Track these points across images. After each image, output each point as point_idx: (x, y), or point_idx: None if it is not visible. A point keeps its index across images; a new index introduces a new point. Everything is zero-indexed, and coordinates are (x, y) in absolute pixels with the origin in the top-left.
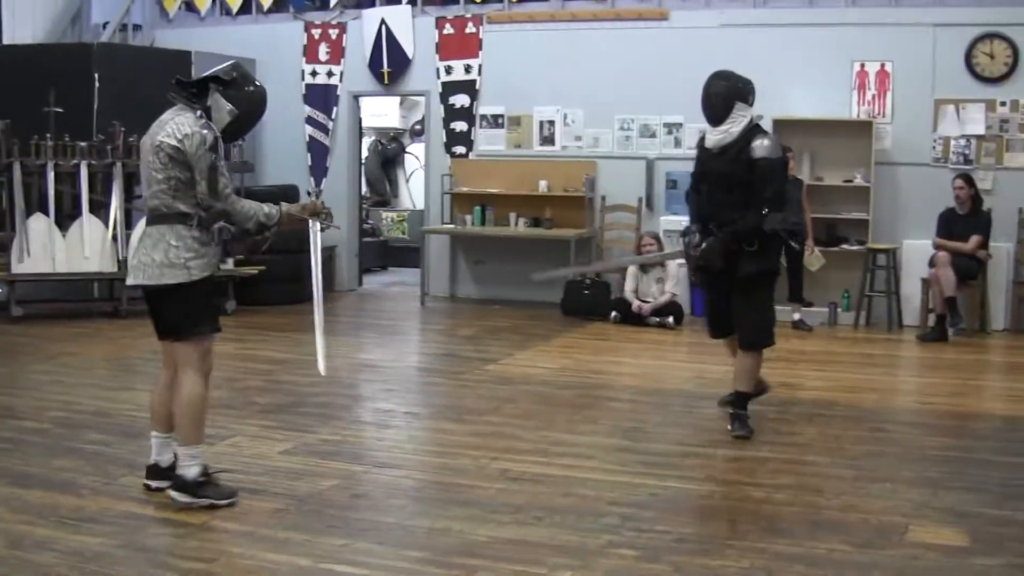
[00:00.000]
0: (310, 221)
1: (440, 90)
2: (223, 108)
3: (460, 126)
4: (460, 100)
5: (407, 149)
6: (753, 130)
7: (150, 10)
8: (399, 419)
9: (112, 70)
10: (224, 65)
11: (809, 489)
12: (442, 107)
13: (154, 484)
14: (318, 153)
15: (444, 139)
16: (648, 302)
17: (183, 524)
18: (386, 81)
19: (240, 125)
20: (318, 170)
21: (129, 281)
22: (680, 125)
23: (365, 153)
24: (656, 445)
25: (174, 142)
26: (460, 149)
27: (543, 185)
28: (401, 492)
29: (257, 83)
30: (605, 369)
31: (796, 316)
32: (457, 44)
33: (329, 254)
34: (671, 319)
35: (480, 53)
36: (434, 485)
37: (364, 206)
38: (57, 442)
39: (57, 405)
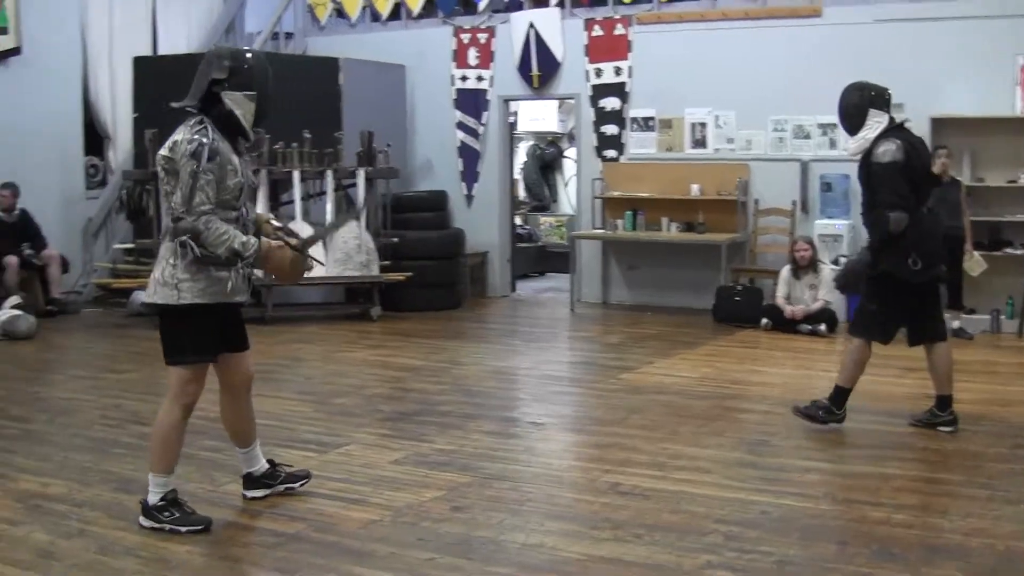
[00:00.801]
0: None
1: (590, 93)
2: (241, 101)
3: (611, 129)
4: (610, 103)
5: (565, 153)
6: (883, 135)
7: (302, 18)
8: (520, 429)
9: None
10: (209, 62)
11: (933, 510)
12: (592, 110)
13: (250, 494)
14: (469, 158)
15: (595, 143)
16: (800, 308)
17: (274, 533)
18: (536, 85)
19: (266, 100)
20: (469, 175)
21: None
22: (835, 126)
23: (523, 158)
24: (779, 460)
25: (166, 152)
26: (611, 153)
27: (695, 189)
28: (503, 505)
29: (246, 52)
30: (745, 379)
31: (956, 324)
32: (606, 46)
33: (481, 259)
34: (823, 327)
35: (630, 55)
36: (538, 498)
37: (522, 211)
38: None
39: None
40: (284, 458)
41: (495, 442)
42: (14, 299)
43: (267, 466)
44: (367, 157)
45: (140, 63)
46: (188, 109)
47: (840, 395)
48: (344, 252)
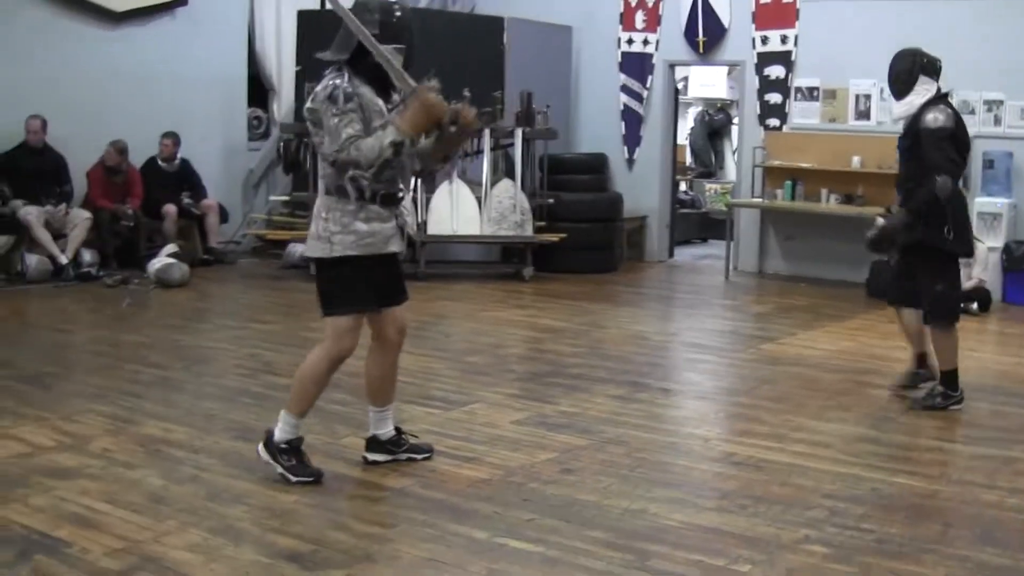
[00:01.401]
0: (445, 128)
1: (755, 60)
2: (391, 53)
3: (774, 98)
4: (775, 71)
5: (734, 120)
6: (930, 102)
7: None
8: (647, 394)
9: (420, 36)
10: (360, 15)
11: None
12: (757, 78)
13: (371, 457)
14: (632, 122)
15: (758, 111)
16: None
17: (382, 488)
18: (701, 50)
19: (412, 53)
20: (631, 139)
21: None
22: (1001, 102)
23: (691, 124)
24: (901, 437)
25: (309, 104)
26: (774, 122)
27: (856, 161)
28: (613, 470)
29: (395, 5)
30: (886, 355)
31: None
32: (773, 14)
33: (640, 223)
34: (975, 305)
35: (797, 23)
36: (650, 464)
37: (688, 177)
38: None
39: None
40: (408, 414)
41: (619, 406)
42: (171, 247)
43: (394, 432)
44: (525, 117)
45: (304, 16)
46: (332, 60)
47: (950, 377)
48: (499, 211)
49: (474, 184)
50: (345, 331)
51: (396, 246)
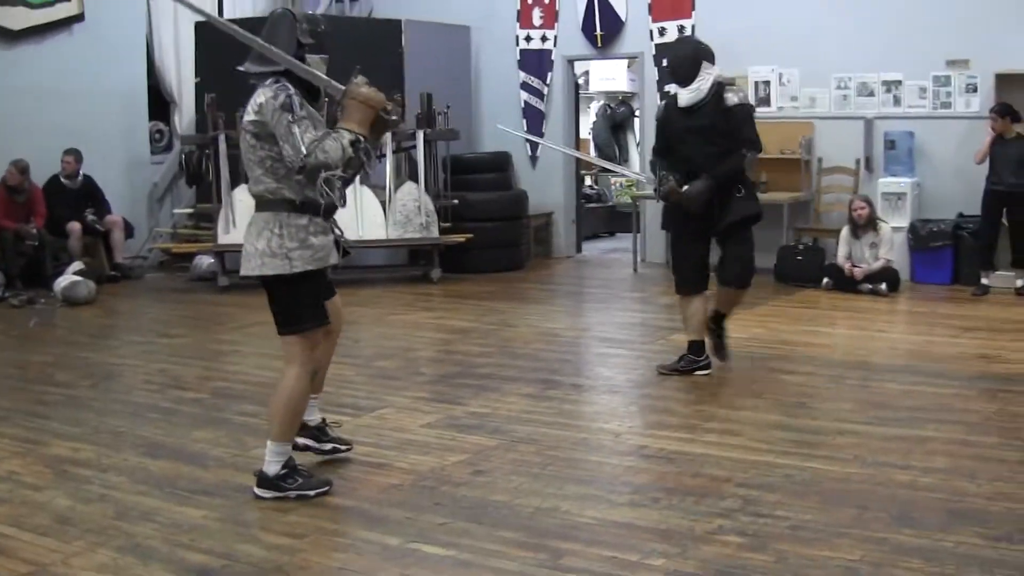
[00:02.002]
0: (381, 114)
1: (653, 52)
2: (318, 64)
3: (674, 88)
4: None
5: (636, 113)
6: (720, 86)
7: None
8: (558, 391)
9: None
10: (290, 28)
11: (961, 473)
12: (656, 69)
13: (299, 440)
14: (533, 119)
15: (658, 102)
16: (861, 268)
17: (294, 499)
18: (599, 44)
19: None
20: (534, 135)
21: (245, 271)
22: (899, 83)
23: (593, 118)
24: (814, 422)
25: (252, 116)
26: None
27: None
28: (524, 469)
29: (319, 17)
30: (796, 339)
31: (1020, 283)
32: (670, 5)
33: (546, 220)
34: (884, 286)
35: (693, 13)
36: (561, 461)
37: (592, 171)
38: (208, 413)
39: (224, 375)
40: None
41: (529, 405)
42: (77, 265)
43: (320, 421)
44: (426, 119)
45: (201, 28)
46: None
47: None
48: (404, 214)
49: (378, 188)
50: (315, 343)
51: (335, 258)
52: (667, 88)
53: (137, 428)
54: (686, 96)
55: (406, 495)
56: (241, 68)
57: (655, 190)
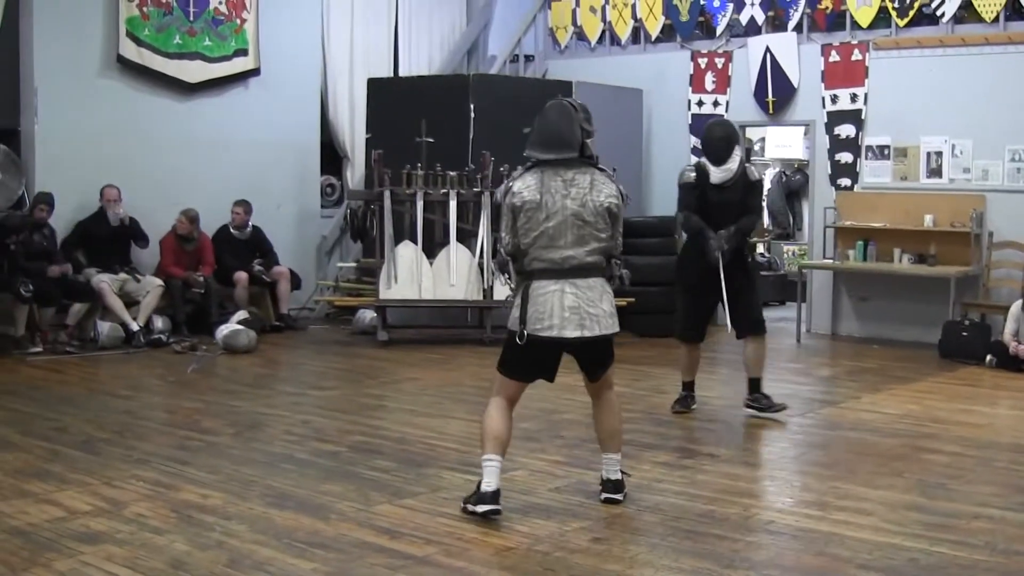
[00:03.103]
0: None
1: (825, 120)
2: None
3: (845, 157)
4: (845, 130)
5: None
6: (741, 164)
7: (543, 41)
8: (694, 461)
9: (488, 100)
10: (572, 116)
11: None
12: (827, 137)
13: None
14: None
15: (829, 171)
16: None
17: (404, 556)
18: (771, 111)
19: None
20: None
21: (583, 333)
22: None
23: (768, 185)
24: (951, 505)
25: (617, 202)
26: (845, 181)
27: (928, 219)
28: (644, 539)
29: (583, 106)
30: (949, 418)
31: None
32: (843, 72)
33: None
34: None
35: (866, 81)
36: (683, 533)
37: (766, 239)
38: (341, 466)
39: (365, 429)
40: (449, 481)
41: (662, 473)
42: (241, 314)
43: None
44: None
45: (374, 84)
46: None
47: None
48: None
49: None
50: None
51: None
52: (699, 160)
53: (269, 478)
54: (719, 174)
55: (518, 559)
56: (554, 156)
57: (712, 243)
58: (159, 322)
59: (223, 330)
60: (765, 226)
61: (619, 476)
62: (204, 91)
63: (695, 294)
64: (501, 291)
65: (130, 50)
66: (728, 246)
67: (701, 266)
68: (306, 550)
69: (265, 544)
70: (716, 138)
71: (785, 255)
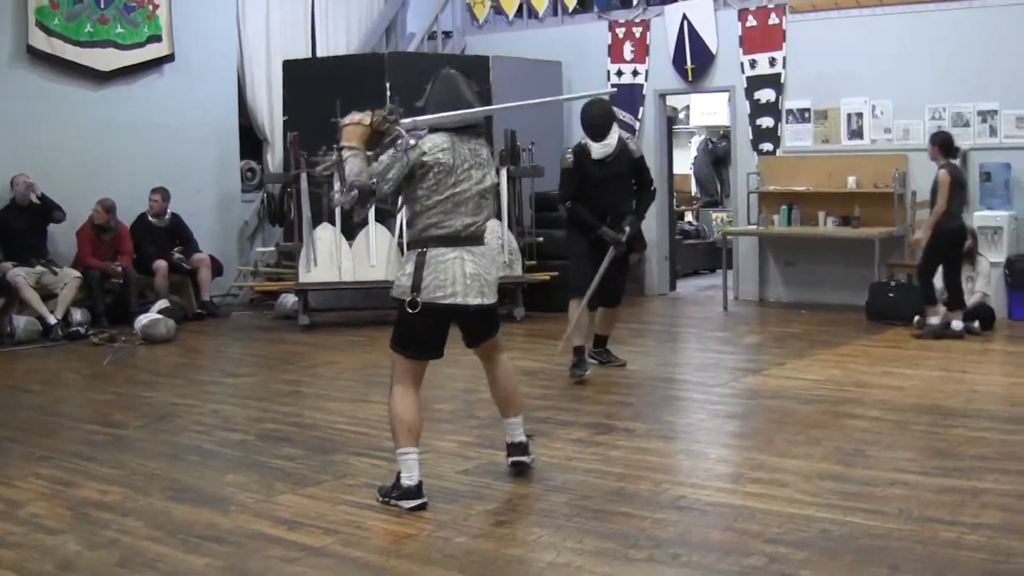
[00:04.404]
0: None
1: (745, 85)
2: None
3: (766, 122)
4: (765, 95)
5: None
6: (620, 139)
7: (461, 17)
8: (609, 436)
9: (404, 78)
10: (466, 82)
11: (1012, 531)
12: (747, 103)
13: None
14: None
15: (751, 136)
16: None
17: (300, 547)
18: (691, 78)
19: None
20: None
21: (483, 300)
22: (995, 112)
23: (694, 152)
24: (867, 472)
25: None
26: (767, 146)
27: (851, 181)
28: (549, 520)
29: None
30: (872, 381)
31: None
32: (760, 36)
33: (639, 258)
34: (976, 323)
35: (784, 45)
36: (590, 513)
37: (694, 207)
38: (248, 455)
39: (276, 417)
40: (355, 467)
41: (574, 451)
42: (162, 303)
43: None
44: (510, 156)
45: (289, 66)
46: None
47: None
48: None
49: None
50: None
51: None
52: (579, 141)
53: (172, 470)
54: (600, 149)
55: (417, 547)
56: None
57: (608, 236)
58: (78, 314)
59: (142, 320)
60: (693, 194)
61: (524, 439)
62: (118, 79)
63: (586, 258)
64: None
65: (40, 40)
66: (631, 231)
67: (589, 238)
68: (201, 544)
69: (160, 540)
70: (596, 114)
71: (713, 222)
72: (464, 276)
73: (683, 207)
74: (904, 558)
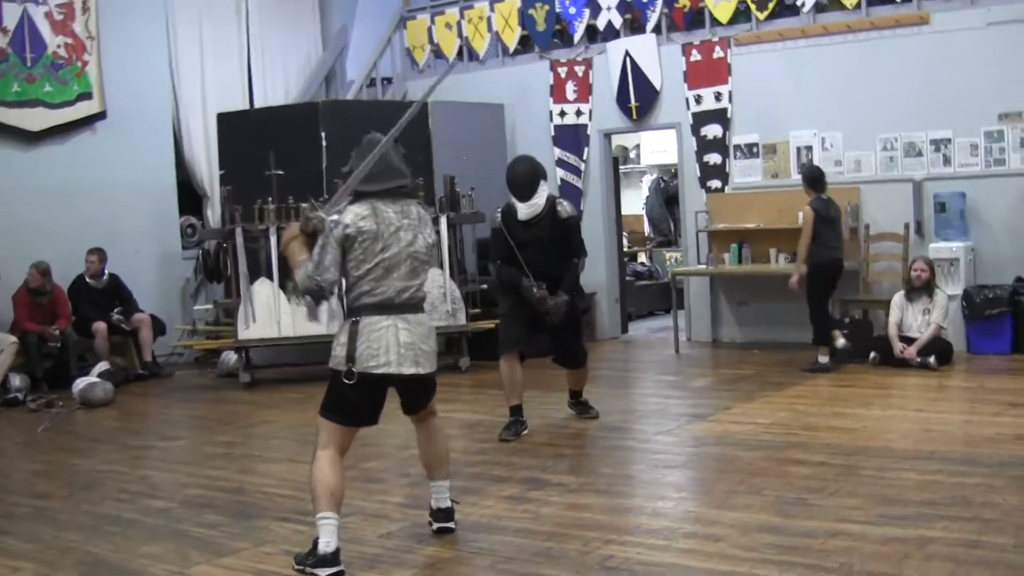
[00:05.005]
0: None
1: (691, 121)
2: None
3: (714, 159)
4: (712, 130)
5: None
6: (553, 199)
7: (401, 63)
8: (542, 492)
9: (339, 126)
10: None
11: None
12: (694, 139)
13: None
14: (571, 196)
15: (698, 173)
16: (913, 338)
17: None
18: (635, 116)
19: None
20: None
21: (418, 370)
22: (948, 141)
23: (646, 192)
24: (808, 523)
25: (434, 239)
26: (715, 183)
27: (802, 216)
28: None
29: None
30: (820, 423)
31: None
32: (705, 71)
33: (588, 304)
34: (932, 359)
35: (730, 79)
36: None
37: (647, 247)
38: (168, 523)
39: (202, 481)
40: (275, 533)
41: (505, 509)
42: (102, 366)
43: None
44: (450, 202)
45: (224, 119)
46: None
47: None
48: (428, 302)
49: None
50: None
51: None
52: (507, 202)
53: (90, 543)
54: (526, 210)
55: None
56: (392, 184)
57: (527, 293)
58: (16, 380)
59: (79, 384)
60: (646, 234)
61: (449, 504)
62: (48, 138)
63: (514, 312)
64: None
65: None
66: (561, 303)
67: (517, 295)
68: None
69: None
70: (520, 173)
71: (667, 262)
72: (398, 345)
73: (636, 248)
74: None
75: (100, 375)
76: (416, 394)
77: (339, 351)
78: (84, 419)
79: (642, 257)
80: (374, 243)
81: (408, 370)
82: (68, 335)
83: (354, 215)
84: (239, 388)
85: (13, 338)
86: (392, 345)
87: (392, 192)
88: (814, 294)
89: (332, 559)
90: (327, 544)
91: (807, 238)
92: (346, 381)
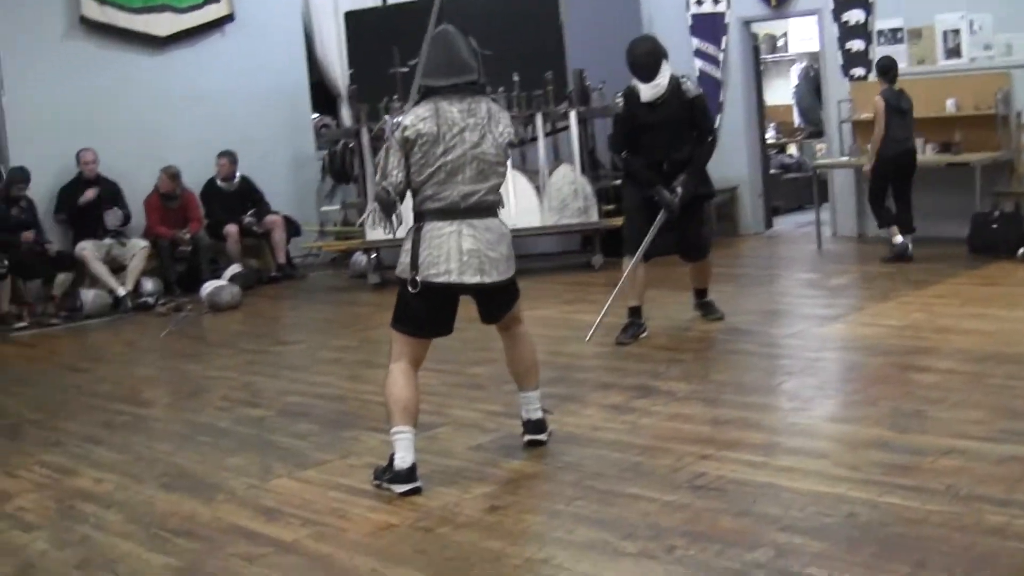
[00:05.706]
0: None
1: (832, 7)
2: None
3: (856, 45)
4: (855, 16)
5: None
6: (676, 79)
7: None
8: (647, 401)
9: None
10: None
11: None
12: (835, 25)
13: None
14: (710, 89)
15: (840, 61)
16: None
17: (270, 542)
18: (774, 3)
19: None
20: (711, 106)
21: (482, 279)
22: None
23: (795, 81)
24: (921, 438)
25: (512, 136)
26: (859, 71)
27: (950, 104)
28: (548, 505)
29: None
30: (955, 326)
31: None
32: None
33: (730, 195)
34: None
35: None
36: (596, 495)
37: (797, 139)
38: (260, 433)
39: (304, 388)
40: (363, 444)
41: (604, 419)
42: (233, 268)
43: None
44: (579, 96)
45: (352, 17)
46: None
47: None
48: (559, 199)
49: (531, 172)
50: None
51: None
52: (629, 84)
53: (178, 454)
54: (649, 91)
55: (392, 540)
56: (456, 81)
57: (661, 199)
58: (149, 284)
59: (207, 288)
60: (796, 125)
61: (540, 415)
62: (176, 43)
63: (640, 210)
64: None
65: (93, 9)
66: (685, 193)
67: (645, 192)
68: (169, 541)
69: (130, 536)
70: (641, 53)
71: (818, 153)
72: (460, 252)
73: (785, 139)
74: (934, 551)
75: (231, 278)
76: (490, 303)
77: (403, 258)
78: (209, 323)
79: (792, 148)
80: (434, 146)
81: (471, 279)
82: (200, 239)
83: (414, 116)
84: (368, 289)
85: (145, 243)
86: (454, 252)
87: (460, 89)
88: (876, 185)
89: (408, 475)
90: (403, 459)
91: (881, 128)
92: (410, 290)
